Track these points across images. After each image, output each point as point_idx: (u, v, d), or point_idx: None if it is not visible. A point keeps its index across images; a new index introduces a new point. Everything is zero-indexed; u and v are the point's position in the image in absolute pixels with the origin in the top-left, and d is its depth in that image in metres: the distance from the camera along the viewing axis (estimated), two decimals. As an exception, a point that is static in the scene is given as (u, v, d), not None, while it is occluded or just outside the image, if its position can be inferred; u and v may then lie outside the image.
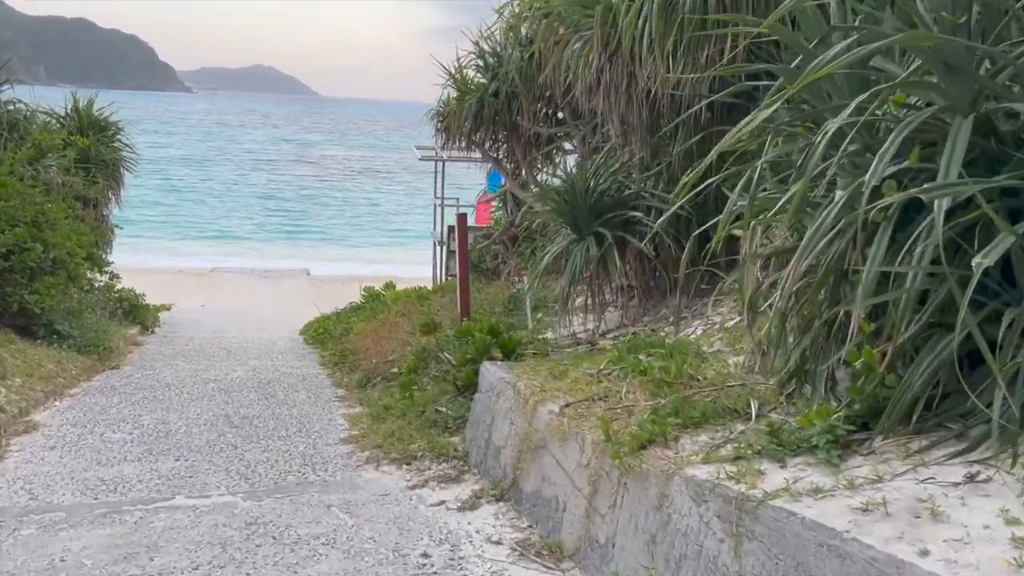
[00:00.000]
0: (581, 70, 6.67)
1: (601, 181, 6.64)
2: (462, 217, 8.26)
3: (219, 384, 8.77)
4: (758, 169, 3.40)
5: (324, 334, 12.83)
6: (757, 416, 3.47)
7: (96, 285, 12.62)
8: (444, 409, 6.38)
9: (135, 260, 23.82)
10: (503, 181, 14.69)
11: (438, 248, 17.25)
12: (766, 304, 3.80)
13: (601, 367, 4.68)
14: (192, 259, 30.23)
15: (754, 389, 3.74)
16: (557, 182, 8.47)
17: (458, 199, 18.01)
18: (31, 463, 5.69)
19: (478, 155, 12.43)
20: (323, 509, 4.78)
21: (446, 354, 6.99)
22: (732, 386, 3.86)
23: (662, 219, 4.26)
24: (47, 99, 14.76)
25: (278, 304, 20.67)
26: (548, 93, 9.61)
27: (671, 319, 6.16)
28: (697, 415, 3.60)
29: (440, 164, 17.45)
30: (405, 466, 5.55)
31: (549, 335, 7.25)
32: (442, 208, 17.60)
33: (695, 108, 5.15)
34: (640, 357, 4.64)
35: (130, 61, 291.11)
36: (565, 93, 7.98)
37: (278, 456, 5.93)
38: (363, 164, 70.38)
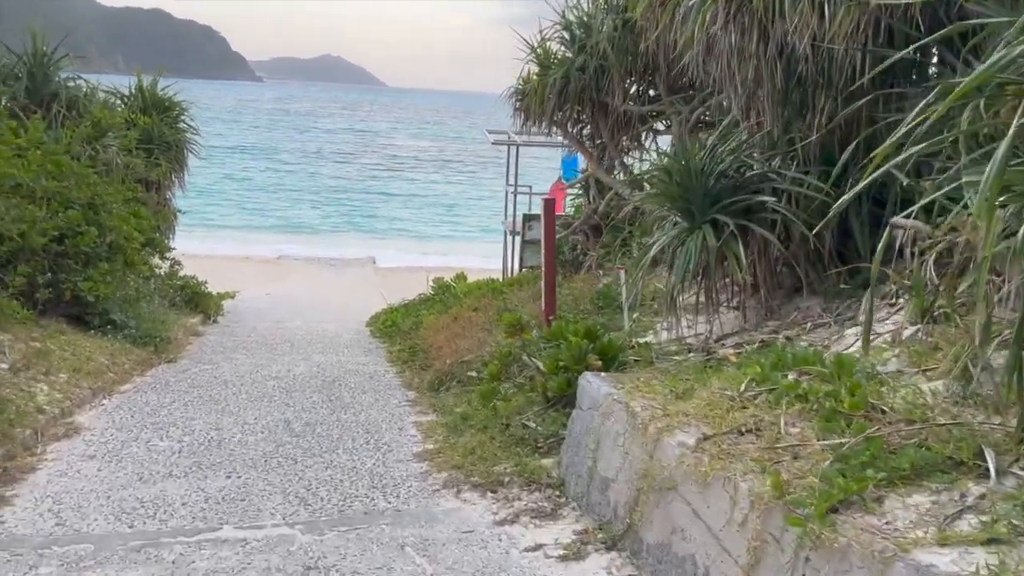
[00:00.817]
0: (696, 31, 5.69)
1: (719, 160, 5.66)
2: (549, 203, 7.34)
3: (280, 382, 8.06)
4: (1011, 135, 2.43)
5: (392, 327, 12.07)
6: (998, 472, 2.51)
7: (157, 272, 12.08)
8: (532, 424, 5.52)
9: (203, 248, 23.51)
10: (580, 167, 13.71)
11: (509, 238, 16.33)
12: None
13: (742, 388, 3.75)
14: (258, 247, 29.89)
15: (977, 430, 2.78)
16: (652, 164, 7.55)
17: (531, 187, 17.11)
18: (65, 476, 5.00)
19: (558, 137, 11.52)
20: (395, 550, 3.97)
21: (533, 359, 6.12)
22: (941, 424, 2.90)
23: (841, 201, 3.29)
24: (125, 88, 14.30)
25: (344, 293, 20.07)
26: (645, 65, 8.63)
27: (806, 324, 5.18)
28: (904, 466, 2.65)
29: (513, 149, 16.56)
30: (490, 493, 4.71)
31: (650, 339, 6.31)
32: (514, 196, 16.67)
33: (882, 65, 4.12)
34: (792, 376, 3.71)
35: (204, 51, 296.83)
36: (671, 63, 7.01)
37: (343, 475, 5.15)
38: (430, 154, 69.87)
